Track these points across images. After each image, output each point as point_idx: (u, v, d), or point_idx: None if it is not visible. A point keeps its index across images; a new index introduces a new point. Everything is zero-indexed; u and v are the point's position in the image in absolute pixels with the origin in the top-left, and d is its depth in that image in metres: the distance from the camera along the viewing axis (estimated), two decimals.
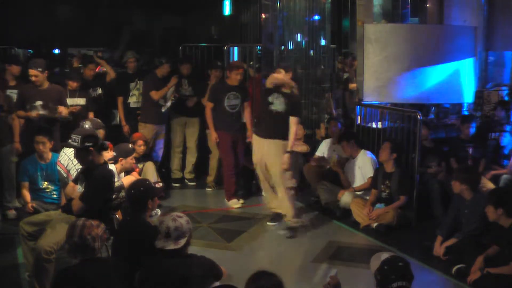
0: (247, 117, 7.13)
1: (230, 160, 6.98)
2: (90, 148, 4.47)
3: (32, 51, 10.28)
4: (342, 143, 6.88)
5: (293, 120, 5.87)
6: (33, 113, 6.22)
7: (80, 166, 4.87)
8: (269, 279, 2.93)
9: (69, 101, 6.88)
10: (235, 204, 6.95)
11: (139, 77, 7.79)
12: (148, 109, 7.50)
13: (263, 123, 6.08)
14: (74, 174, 4.96)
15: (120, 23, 11.00)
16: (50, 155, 6.17)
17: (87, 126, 5.46)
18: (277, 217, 6.27)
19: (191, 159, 7.92)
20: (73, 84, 7.04)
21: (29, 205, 6.09)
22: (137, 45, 9.50)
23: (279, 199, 6.09)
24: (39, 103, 6.28)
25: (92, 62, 8.02)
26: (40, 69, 6.29)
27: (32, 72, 6.27)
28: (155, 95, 7.35)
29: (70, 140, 4.55)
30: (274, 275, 2.96)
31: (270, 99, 5.94)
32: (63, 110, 6.31)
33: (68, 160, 5.24)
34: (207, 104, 7.08)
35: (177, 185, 7.84)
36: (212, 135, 7.02)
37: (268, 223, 6.28)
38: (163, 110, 7.50)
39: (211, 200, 7.18)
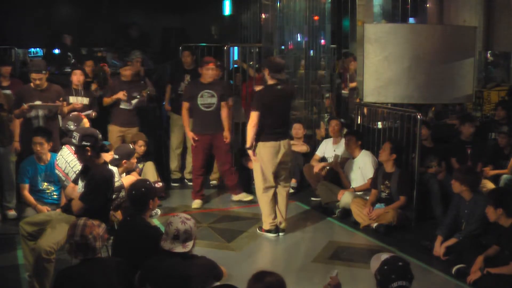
0: (223, 117, 6.89)
1: (198, 163, 6.90)
2: (87, 147, 4.48)
3: (40, 51, 10.30)
4: (349, 137, 6.86)
5: None
6: (25, 106, 6.16)
7: (78, 168, 4.88)
8: (274, 277, 2.93)
9: (73, 99, 6.85)
10: (196, 204, 6.87)
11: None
12: (112, 111, 7.27)
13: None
14: (73, 177, 4.97)
15: (119, 23, 11.00)
16: (49, 156, 6.15)
17: (71, 125, 5.44)
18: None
19: (190, 159, 7.91)
20: (74, 77, 6.93)
21: (45, 208, 5.98)
22: (137, 45, 9.48)
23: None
24: (38, 103, 6.29)
25: (89, 59, 8.02)
26: (44, 72, 6.31)
27: (36, 76, 6.26)
28: (104, 101, 7.15)
29: (72, 137, 4.57)
30: (277, 274, 2.96)
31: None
32: (62, 104, 6.31)
33: (65, 163, 5.24)
34: (183, 104, 6.95)
35: (176, 185, 7.84)
36: (188, 135, 6.94)
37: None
38: (128, 108, 7.22)
39: (211, 200, 7.17)
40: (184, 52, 7.84)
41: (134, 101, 7.21)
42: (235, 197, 7.11)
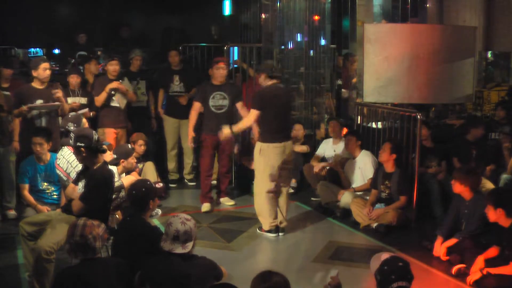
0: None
1: (206, 164, 6.83)
2: (82, 148, 4.47)
3: (40, 51, 10.30)
4: (349, 136, 6.87)
5: None
6: (24, 107, 6.17)
7: (79, 168, 4.88)
8: (280, 277, 2.92)
9: (71, 100, 6.88)
10: (205, 208, 6.76)
11: (141, 76, 7.75)
12: (103, 113, 7.13)
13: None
14: (75, 177, 4.96)
15: (119, 23, 11.01)
16: (48, 156, 6.15)
17: (71, 126, 5.45)
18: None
19: (188, 160, 7.91)
20: (72, 80, 7.00)
21: (45, 208, 5.97)
22: (137, 45, 9.48)
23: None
24: (39, 102, 6.29)
25: (93, 59, 8.01)
26: (53, 64, 6.36)
27: (47, 65, 6.30)
28: (97, 101, 7.01)
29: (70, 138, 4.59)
30: (282, 274, 2.96)
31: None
32: (58, 92, 6.31)
33: (66, 163, 5.24)
34: (194, 103, 6.89)
35: (174, 185, 7.83)
36: (189, 134, 6.78)
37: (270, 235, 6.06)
38: (118, 105, 7.15)
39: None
40: (171, 52, 7.78)
41: (124, 102, 7.12)
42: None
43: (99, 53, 9.61)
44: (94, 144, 4.51)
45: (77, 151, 4.52)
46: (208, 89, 6.78)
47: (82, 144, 4.46)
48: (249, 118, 5.95)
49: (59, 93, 6.33)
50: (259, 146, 5.90)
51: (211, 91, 6.74)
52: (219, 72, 6.69)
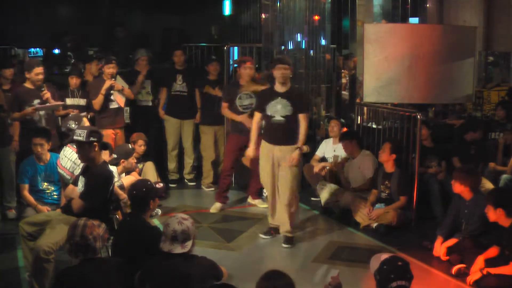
0: None
1: (228, 163, 6.83)
2: (95, 143, 4.50)
3: (40, 51, 10.30)
4: (344, 141, 6.87)
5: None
6: (29, 109, 6.18)
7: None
8: (285, 277, 2.92)
9: (70, 101, 6.90)
10: (214, 209, 6.71)
11: (148, 76, 7.74)
12: (100, 114, 7.05)
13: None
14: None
15: (119, 23, 11.03)
16: (48, 156, 6.15)
17: (72, 124, 5.47)
18: (271, 230, 5.99)
19: (188, 160, 7.90)
20: (72, 80, 7.02)
21: (45, 208, 5.96)
22: (137, 45, 9.48)
23: (278, 209, 5.85)
24: (36, 101, 6.29)
25: (95, 59, 8.00)
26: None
27: (39, 70, 6.29)
28: (95, 104, 6.95)
29: (74, 136, 4.57)
30: (286, 275, 2.95)
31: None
32: (46, 94, 6.27)
33: (70, 162, 5.25)
34: (222, 104, 6.83)
35: (173, 185, 7.82)
36: (243, 119, 6.48)
37: (260, 235, 5.98)
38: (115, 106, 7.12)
39: (210, 200, 7.16)
40: (177, 51, 7.73)
41: (122, 102, 7.11)
42: (252, 201, 7.01)
43: (91, 53, 9.61)
44: (102, 142, 4.56)
45: (88, 146, 4.52)
46: (235, 89, 6.71)
47: (95, 139, 4.49)
48: (254, 120, 5.89)
49: (46, 94, 6.30)
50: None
51: (238, 91, 6.66)
52: (247, 72, 6.62)
